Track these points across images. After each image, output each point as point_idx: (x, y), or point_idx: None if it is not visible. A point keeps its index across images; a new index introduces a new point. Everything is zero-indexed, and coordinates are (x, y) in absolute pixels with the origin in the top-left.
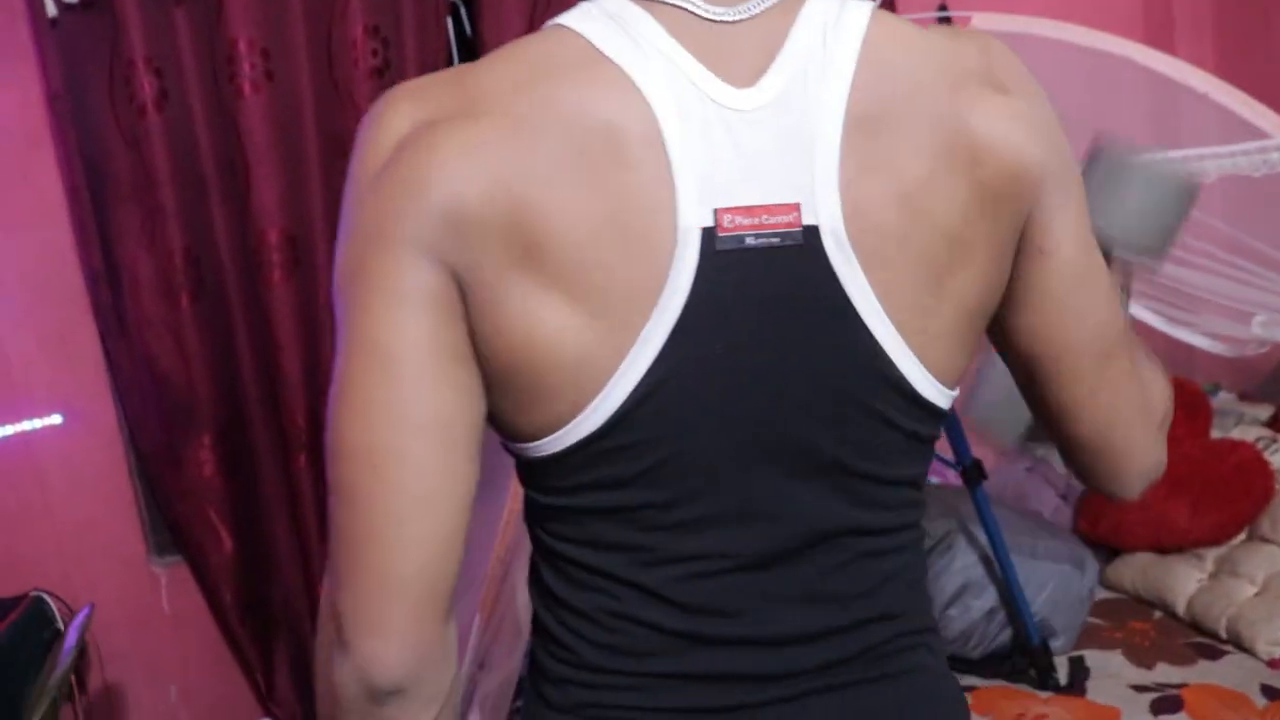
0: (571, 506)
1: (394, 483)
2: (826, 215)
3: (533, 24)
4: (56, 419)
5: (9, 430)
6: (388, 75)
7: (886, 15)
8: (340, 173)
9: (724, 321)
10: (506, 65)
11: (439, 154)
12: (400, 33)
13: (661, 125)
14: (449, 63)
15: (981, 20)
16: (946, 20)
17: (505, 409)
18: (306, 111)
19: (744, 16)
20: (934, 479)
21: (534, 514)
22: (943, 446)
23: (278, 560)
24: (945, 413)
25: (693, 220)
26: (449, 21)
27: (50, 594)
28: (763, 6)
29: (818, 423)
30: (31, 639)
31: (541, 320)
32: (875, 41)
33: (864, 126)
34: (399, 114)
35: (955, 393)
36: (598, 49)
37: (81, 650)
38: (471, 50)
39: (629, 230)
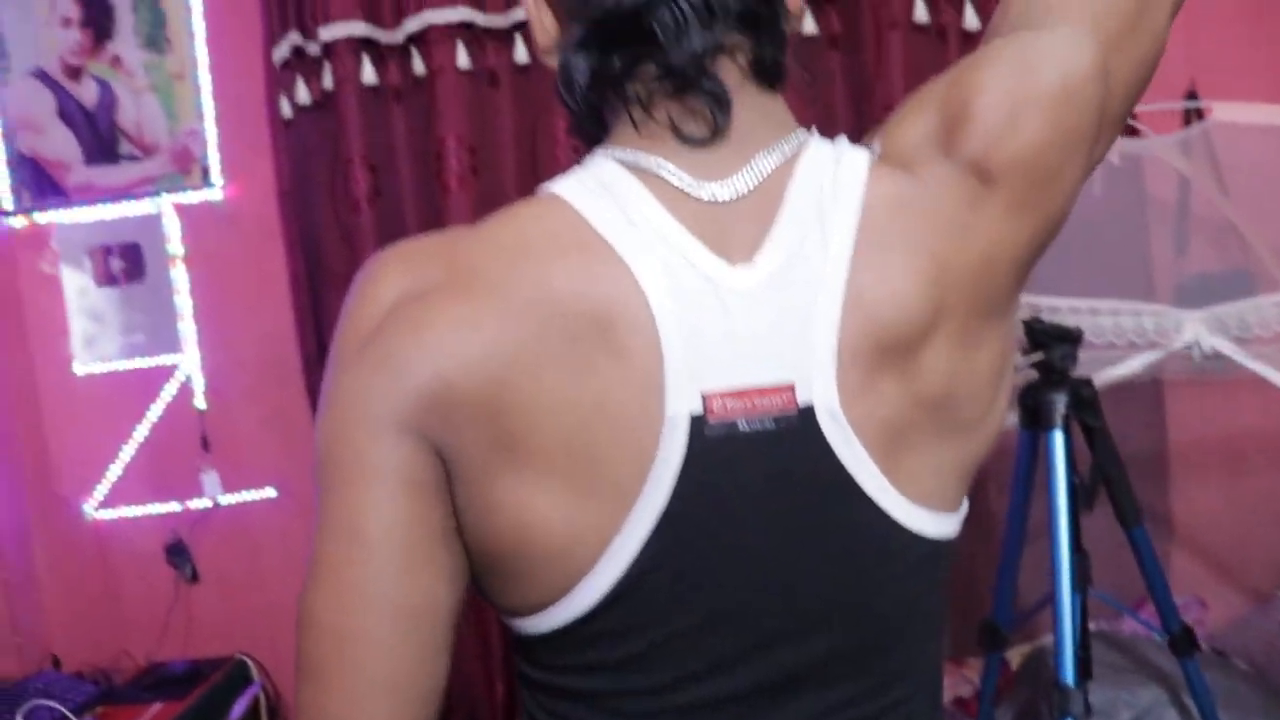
0: (557, 684)
1: (360, 665)
2: (822, 393)
3: None
4: (271, 492)
5: (230, 499)
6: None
7: (883, 172)
8: None
9: (716, 507)
10: (499, 237)
11: (425, 332)
12: None
13: (654, 311)
14: None
15: (1223, 111)
16: (1197, 114)
17: (490, 585)
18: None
19: (737, 196)
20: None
21: (522, 677)
22: (1149, 613)
23: (462, 654)
24: (957, 534)
25: (681, 408)
26: None
27: (252, 658)
28: (756, 183)
29: (824, 604)
30: (229, 700)
31: (529, 504)
32: (874, 208)
33: (863, 301)
34: (388, 282)
35: (965, 509)
36: (592, 226)
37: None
38: None
39: (618, 419)
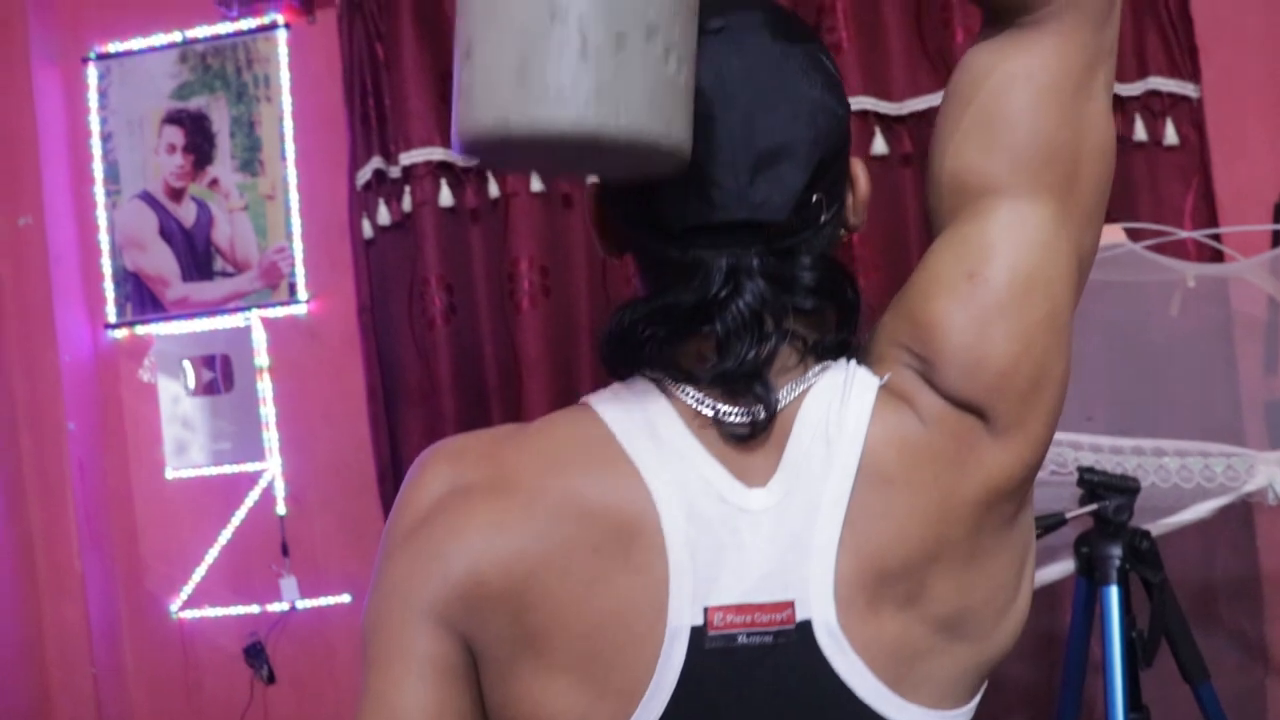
0: None
1: None
2: (820, 610)
3: None
4: (346, 598)
5: (306, 604)
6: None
7: (888, 407)
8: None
9: (712, 713)
10: (537, 444)
11: (462, 530)
12: None
13: (665, 532)
14: None
15: None
16: None
17: None
18: (581, 324)
19: (756, 421)
20: None
21: None
22: None
23: None
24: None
25: (683, 620)
26: None
27: None
28: (774, 410)
29: None
30: None
31: (544, 700)
32: (876, 446)
33: (865, 531)
34: (436, 476)
35: (982, 692)
36: (620, 445)
37: None
38: None
39: (629, 626)
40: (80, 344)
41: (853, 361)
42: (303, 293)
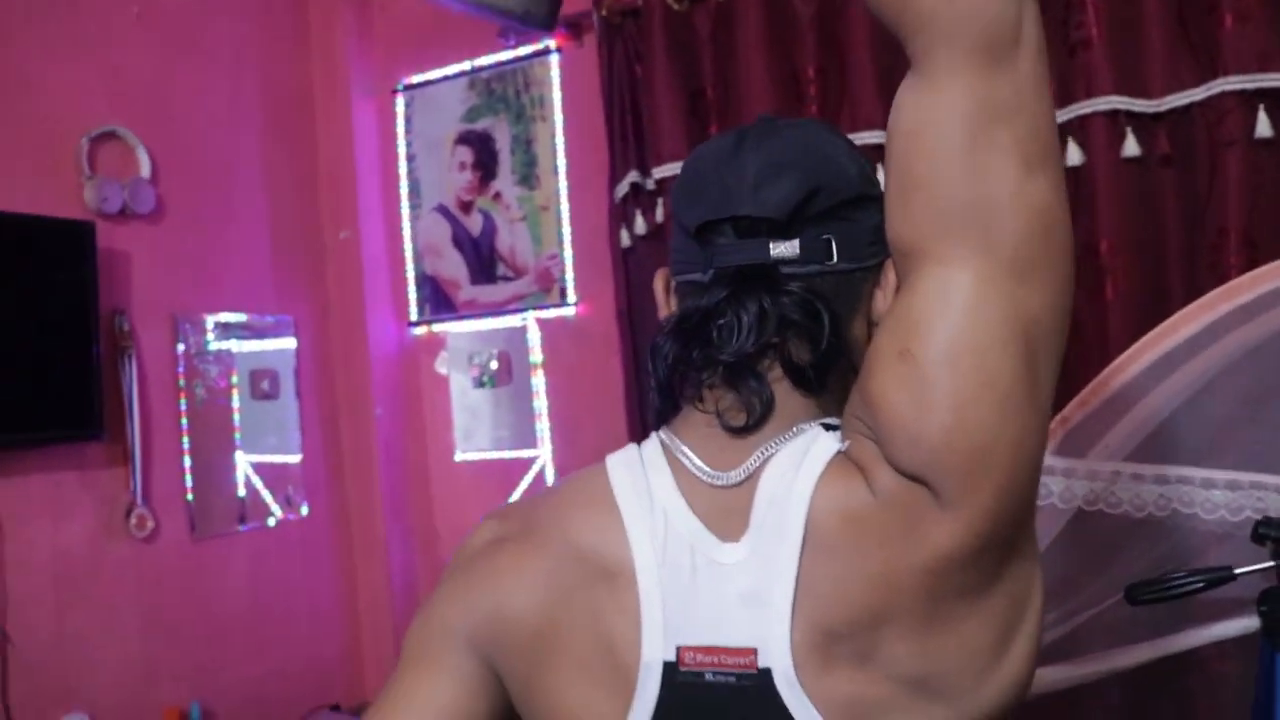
0: None
1: None
2: (779, 661)
3: None
4: None
5: None
6: None
7: (838, 478)
8: None
9: None
10: (557, 499)
11: (493, 573)
12: None
13: (639, 574)
14: None
15: None
16: None
17: None
18: None
19: (733, 483)
20: None
21: None
22: None
23: None
24: None
25: (656, 655)
26: None
27: None
28: (748, 475)
29: None
30: None
31: (560, 697)
32: (821, 517)
33: (814, 593)
34: (487, 528)
35: None
36: (615, 499)
37: None
38: None
39: (617, 650)
40: (387, 340)
41: (818, 428)
42: (571, 295)
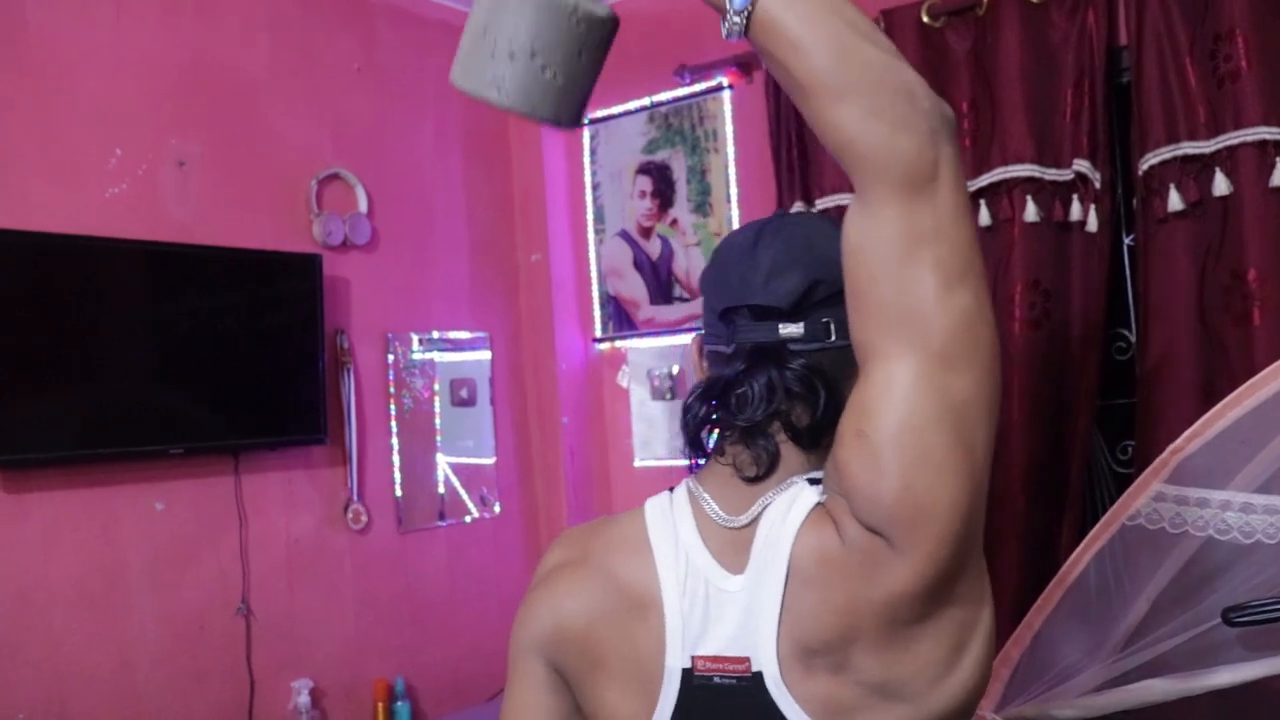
0: None
1: None
2: (768, 667)
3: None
4: None
5: None
6: (1045, 327)
7: (816, 525)
8: None
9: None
10: (605, 534)
11: (555, 593)
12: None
13: (665, 603)
14: (1107, 317)
15: None
16: None
17: None
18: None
19: (741, 525)
20: None
21: None
22: None
23: None
24: None
25: (676, 663)
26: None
27: None
28: (751, 518)
29: None
30: None
31: (605, 699)
32: (801, 557)
33: (792, 614)
34: (554, 553)
35: None
36: (649, 540)
37: None
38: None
39: (646, 666)
40: (574, 354)
41: (804, 482)
42: None
